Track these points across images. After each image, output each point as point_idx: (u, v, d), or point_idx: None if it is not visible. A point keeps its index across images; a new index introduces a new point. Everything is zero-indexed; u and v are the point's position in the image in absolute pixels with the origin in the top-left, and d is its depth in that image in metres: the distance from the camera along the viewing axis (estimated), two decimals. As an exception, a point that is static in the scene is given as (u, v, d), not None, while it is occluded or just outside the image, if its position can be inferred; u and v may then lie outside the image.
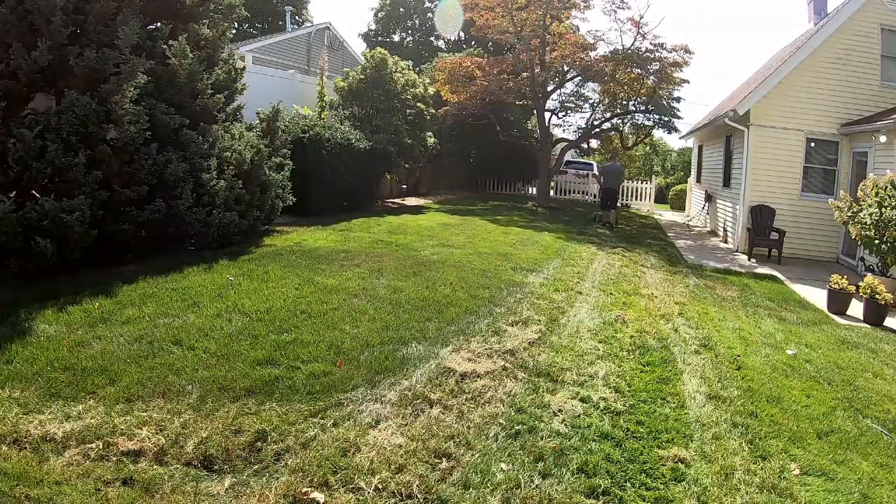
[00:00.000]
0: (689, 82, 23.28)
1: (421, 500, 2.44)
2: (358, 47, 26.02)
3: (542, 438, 3.00)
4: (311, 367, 3.65)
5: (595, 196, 19.83)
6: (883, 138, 8.68)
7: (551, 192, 19.39)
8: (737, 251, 11.03)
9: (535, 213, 14.94)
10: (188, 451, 2.66)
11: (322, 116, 12.61)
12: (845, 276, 6.71)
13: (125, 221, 5.88)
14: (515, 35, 16.07)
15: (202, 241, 6.83)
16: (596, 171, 19.91)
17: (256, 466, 2.61)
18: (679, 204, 21.04)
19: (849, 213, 7.34)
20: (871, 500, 2.76)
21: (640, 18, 15.34)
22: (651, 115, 17.52)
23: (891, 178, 7.02)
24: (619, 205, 15.07)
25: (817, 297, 7.24)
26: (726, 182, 12.94)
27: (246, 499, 2.39)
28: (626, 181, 19.82)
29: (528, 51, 15.50)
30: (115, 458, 2.58)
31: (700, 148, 17.38)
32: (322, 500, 2.39)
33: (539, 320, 5.07)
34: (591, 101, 19.37)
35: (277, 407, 3.12)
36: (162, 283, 5.28)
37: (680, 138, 19.23)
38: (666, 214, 19.14)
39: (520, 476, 2.64)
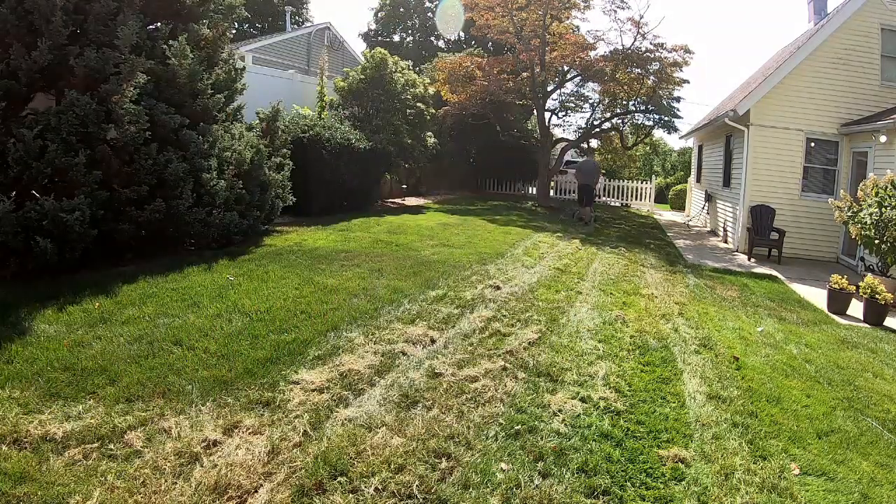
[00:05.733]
0: (688, 82, 23.36)
1: (421, 500, 2.44)
2: (358, 47, 26.01)
3: (542, 438, 3.00)
4: (311, 367, 3.64)
5: (595, 196, 20.24)
6: (883, 138, 8.68)
7: (551, 192, 19.39)
8: (737, 251, 11.03)
9: (535, 213, 14.93)
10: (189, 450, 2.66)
11: (322, 116, 12.61)
12: (845, 276, 6.71)
13: (125, 221, 5.89)
14: (515, 35, 16.07)
15: (202, 241, 6.83)
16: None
17: (256, 466, 2.61)
18: (679, 204, 21.03)
19: (849, 213, 7.34)
20: (871, 500, 2.76)
21: (640, 18, 15.34)
22: (651, 115, 17.53)
23: (891, 178, 7.01)
24: (595, 201, 14.90)
25: (817, 296, 7.24)
26: (726, 182, 12.94)
27: (246, 499, 2.39)
28: (625, 181, 21.22)
29: (528, 51, 15.49)
30: (115, 458, 2.58)
31: (700, 148, 17.37)
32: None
33: (539, 320, 5.07)
34: (591, 101, 19.39)
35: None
36: (162, 283, 5.28)
37: (680, 138, 19.23)
38: (666, 214, 19.13)
39: (520, 476, 2.64)
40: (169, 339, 3.91)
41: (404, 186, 17.40)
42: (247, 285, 5.40)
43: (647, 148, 24.76)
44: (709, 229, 14.68)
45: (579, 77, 17.54)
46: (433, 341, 4.33)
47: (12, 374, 3.27)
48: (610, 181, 21.41)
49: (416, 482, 2.53)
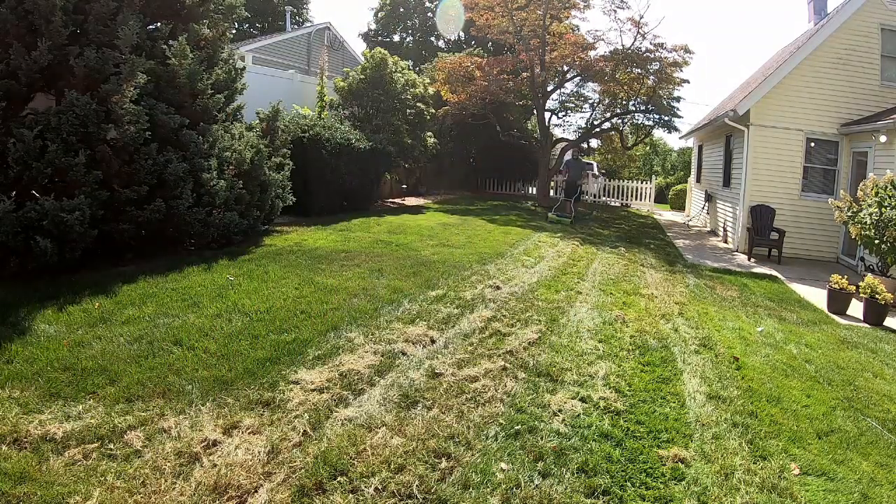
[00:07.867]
0: (688, 82, 23.40)
1: (421, 500, 2.44)
2: (358, 47, 26.01)
3: (542, 438, 3.00)
4: (311, 367, 3.64)
5: (594, 196, 20.55)
6: (883, 138, 8.68)
7: (551, 192, 19.40)
8: (737, 251, 11.03)
9: (535, 213, 14.93)
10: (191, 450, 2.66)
11: (322, 116, 12.61)
12: (845, 276, 6.71)
13: (125, 221, 5.89)
14: (515, 35, 16.08)
15: (202, 241, 6.83)
16: (596, 171, 20.73)
17: (256, 466, 2.61)
18: (679, 204, 21.03)
19: (849, 213, 7.34)
20: (871, 500, 2.76)
21: (640, 18, 15.35)
22: (651, 115, 17.55)
23: (891, 178, 7.01)
24: (580, 198, 14.85)
25: (817, 296, 7.24)
26: (726, 182, 12.94)
27: (246, 499, 2.38)
28: (624, 181, 21.23)
29: (527, 51, 15.50)
30: (115, 458, 2.58)
31: (700, 148, 17.37)
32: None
33: (539, 320, 5.07)
34: (591, 101, 19.41)
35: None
36: (162, 283, 5.28)
37: (680, 138, 19.24)
38: (666, 214, 19.13)
39: (520, 476, 2.64)
40: (169, 339, 3.91)
41: (404, 186, 17.40)
42: (247, 285, 5.40)
43: (647, 148, 24.79)
44: (709, 229, 14.68)
45: (579, 77, 17.54)
46: (433, 341, 4.33)
47: (12, 373, 3.27)
48: (610, 181, 21.40)
49: (416, 482, 2.53)
